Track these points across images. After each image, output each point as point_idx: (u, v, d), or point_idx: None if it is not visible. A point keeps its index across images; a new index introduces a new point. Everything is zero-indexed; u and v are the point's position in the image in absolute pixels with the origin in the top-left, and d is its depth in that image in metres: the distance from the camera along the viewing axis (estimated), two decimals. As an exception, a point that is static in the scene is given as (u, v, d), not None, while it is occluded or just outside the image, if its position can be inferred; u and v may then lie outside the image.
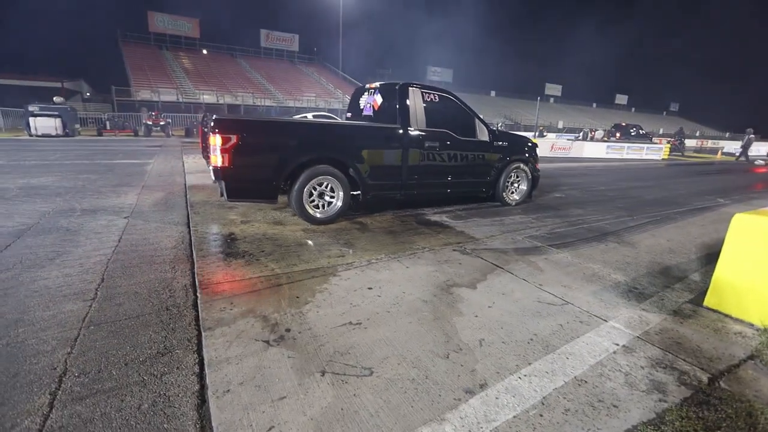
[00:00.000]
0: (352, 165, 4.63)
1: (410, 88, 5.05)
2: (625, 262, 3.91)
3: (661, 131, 58.68)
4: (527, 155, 6.29)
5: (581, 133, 32.18)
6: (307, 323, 2.48)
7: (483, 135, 5.68)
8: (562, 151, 19.99)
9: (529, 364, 2.19)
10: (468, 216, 5.50)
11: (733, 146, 29.88)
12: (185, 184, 7.06)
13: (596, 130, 34.00)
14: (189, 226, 4.44)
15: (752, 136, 21.24)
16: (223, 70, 40.95)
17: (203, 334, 2.31)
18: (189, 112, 29.93)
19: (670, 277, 3.56)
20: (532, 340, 2.43)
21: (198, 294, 2.78)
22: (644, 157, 20.23)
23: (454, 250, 3.98)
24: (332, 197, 4.68)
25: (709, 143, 49.01)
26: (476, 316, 2.67)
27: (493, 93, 67.63)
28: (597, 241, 4.56)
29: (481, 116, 5.84)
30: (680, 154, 24.69)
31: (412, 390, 1.94)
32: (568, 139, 24.56)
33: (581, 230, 5.00)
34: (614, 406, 1.92)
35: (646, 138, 26.85)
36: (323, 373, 2.02)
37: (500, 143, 5.89)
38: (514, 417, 1.80)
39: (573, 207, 6.47)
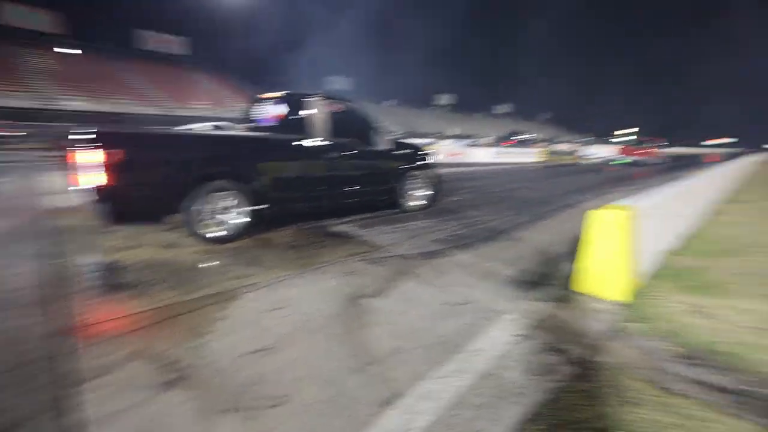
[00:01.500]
0: (255, 178, 4.47)
1: (314, 98, 5.10)
2: (518, 257, 4.30)
3: (540, 137, 66.17)
4: (427, 162, 6.65)
5: (472, 140, 34.80)
6: (210, 356, 2.28)
7: (385, 144, 5.91)
8: (457, 157, 21.47)
9: (442, 366, 2.28)
10: (373, 224, 5.59)
11: (593, 150, 34.89)
12: (50, 207, 6.08)
13: (485, 136, 37.17)
14: (58, 257, 3.82)
15: (584, 141, 25.28)
16: (96, 74, 36.30)
17: (84, 386, 1.99)
18: (54, 122, 25.93)
19: (553, 267, 4.01)
20: (442, 342, 2.54)
21: (74, 339, 2.40)
22: (526, 160, 22.66)
23: (360, 260, 4.01)
24: (233, 214, 4.42)
25: (578, 147, 57.12)
26: (387, 325, 2.71)
27: (389, 103, 70.32)
28: (493, 240, 4.96)
29: (382, 125, 6.04)
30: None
31: (330, 411, 1.90)
32: (461, 146, 26.41)
33: (479, 231, 5.39)
34: (520, 393, 2.09)
35: (527, 144, 30.22)
36: (233, 410, 1.87)
37: (402, 151, 6.21)
38: (432, 422, 1.86)
39: (470, 209, 6.95)
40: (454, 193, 8.89)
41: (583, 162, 25.47)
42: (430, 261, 4.03)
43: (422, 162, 6.57)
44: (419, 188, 6.61)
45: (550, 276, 3.74)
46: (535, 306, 3.10)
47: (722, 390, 2.16)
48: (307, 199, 5.00)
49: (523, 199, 8.18)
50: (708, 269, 3.86)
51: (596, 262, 3.28)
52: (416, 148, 6.56)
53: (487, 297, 3.23)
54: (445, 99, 76.67)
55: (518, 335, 2.66)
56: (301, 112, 5.01)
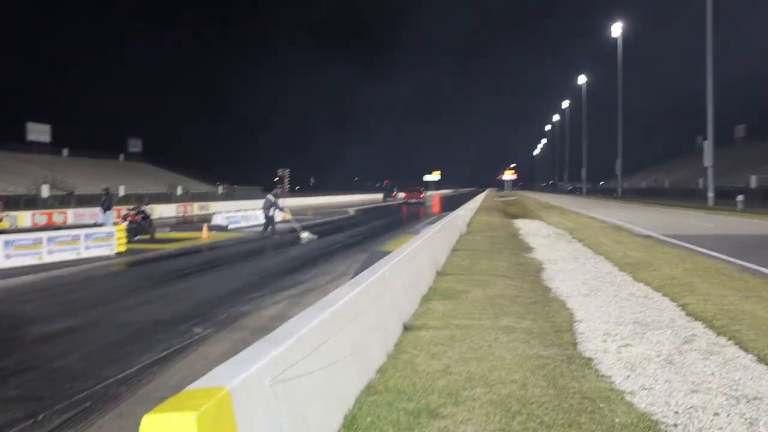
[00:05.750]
0: None
1: None
2: None
3: (121, 191, 44.60)
4: None
5: None
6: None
7: None
8: None
9: None
10: None
11: (230, 210, 26.63)
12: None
13: None
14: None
15: (275, 193, 18.36)
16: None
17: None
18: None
19: None
20: None
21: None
22: (84, 254, 13.18)
23: None
24: None
25: (197, 208, 36.00)
26: None
27: None
28: None
29: None
30: (149, 236, 17.33)
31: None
32: None
33: None
34: None
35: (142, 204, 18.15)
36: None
37: None
38: None
39: None
40: None
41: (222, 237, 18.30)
42: None
43: None
44: None
45: None
46: None
47: None
48: None
49: (42, 383, 4.52)
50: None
51: None
52: None
53: None
54: None
55: None
56: None
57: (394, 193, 60.08)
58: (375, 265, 5.47)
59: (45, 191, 41.00)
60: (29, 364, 5.01)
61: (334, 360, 3.18)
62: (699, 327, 5.22)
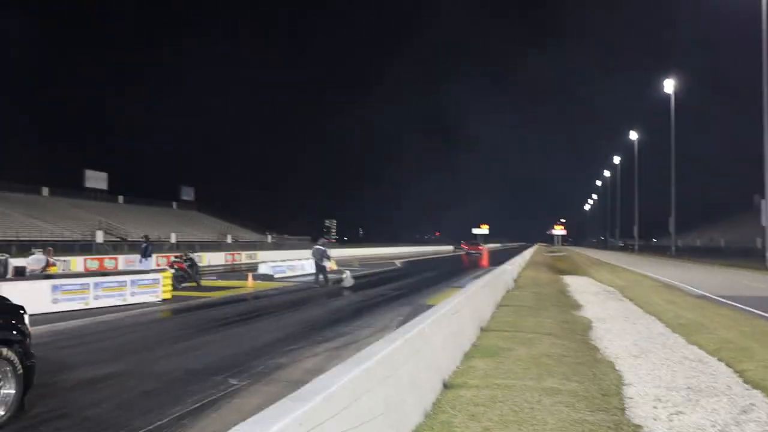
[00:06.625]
0: None
1: None
2: None
3: (173, 239, 46.74)
4: (12, 331, 4.76)
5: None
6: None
7: None
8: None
9: None
10: None
11: (277, 259, 26.13)
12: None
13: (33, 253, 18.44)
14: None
15: (323, 243, 18.60)
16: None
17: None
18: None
19: None
20: None
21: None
22: (130, 300, 13.36)
23: None
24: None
25: (245, 257, 36.82)
26: None
27: None
28: None
29: None
30: (195, 283, 17.46)
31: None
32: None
33: None
34: None
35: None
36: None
37: None
38: None
39: None
40: None
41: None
42: None
43: (7, 332, 4.65)
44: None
45: None
46: None
47: None
48: None
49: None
50: None
51: None
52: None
53: None
54: None
55: None
56: None
57: (462, 244, 73.79)
58: (415, 319, 5.40)
59: (99, 237, 43.25)
60: (62, 411, 4.90)
61: (365, 420, 3.00)
62: (758, 396, 4.92)
